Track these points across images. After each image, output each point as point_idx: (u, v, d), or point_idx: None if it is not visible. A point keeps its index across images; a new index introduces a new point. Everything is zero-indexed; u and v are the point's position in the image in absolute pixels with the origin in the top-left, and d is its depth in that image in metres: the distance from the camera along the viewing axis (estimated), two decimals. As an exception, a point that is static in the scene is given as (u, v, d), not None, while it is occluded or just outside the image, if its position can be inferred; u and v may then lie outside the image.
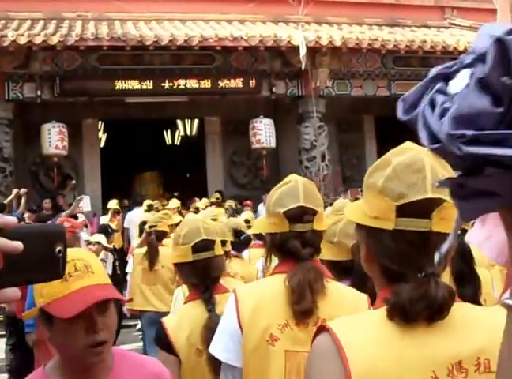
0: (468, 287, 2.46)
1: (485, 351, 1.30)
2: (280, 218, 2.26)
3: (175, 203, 13.02)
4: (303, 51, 13.93)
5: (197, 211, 12.88)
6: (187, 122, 19.68)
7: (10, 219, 0.95)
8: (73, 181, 14.97)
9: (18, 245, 0.94)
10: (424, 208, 1.40)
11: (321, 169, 15.42)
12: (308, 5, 16.05)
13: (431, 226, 1.40)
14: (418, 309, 1.32)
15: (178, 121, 19.70)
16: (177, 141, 21.34)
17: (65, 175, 15.28)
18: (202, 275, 2.85)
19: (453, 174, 0.74)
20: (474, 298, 2.38)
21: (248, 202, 14.69)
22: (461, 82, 0.73)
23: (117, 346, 2.28)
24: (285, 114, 16.36)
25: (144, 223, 7.90)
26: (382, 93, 16.27)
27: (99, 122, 17.18)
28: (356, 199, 14.38)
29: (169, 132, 21.29)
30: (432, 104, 0.76)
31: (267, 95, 15.46)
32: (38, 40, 12.96)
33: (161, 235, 7.18)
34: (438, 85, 0.77)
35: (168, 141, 21.54)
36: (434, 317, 1.33)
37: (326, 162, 15.61)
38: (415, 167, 1.43)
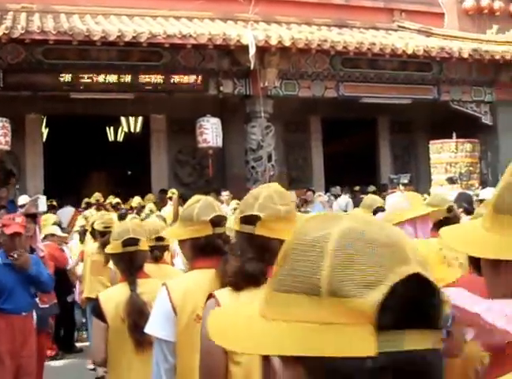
0: None
1: None
2: (205, 224, 3.04)
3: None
4: (252, 50, 14.34)
5: (134, 209, 13.48)
6: (131, 119, 19.88)
7: None
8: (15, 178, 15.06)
9: None
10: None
11: (267, 169, 15.85)
12: (258, 3, 16.51)
13: None
14: None
15: (122, 118, 19.87)
16: (120, 138, 21.51)
17: (7, 171, 15.35)
18: (129, 264, 4.04)
19: None
20: None
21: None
22: None
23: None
24: (232, 114, 16.73)
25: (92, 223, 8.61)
26: (330, 94, 16.80)
27: (43, 118, 17.27)
28: (305, 200, 14.96)
29: (112, 129, 21.44)
30: None
31: (214, 93, 15.78)
32: (-19, 32, 13.05)
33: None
34: None
35: (111, 138, 21.69)
36: None
37: (273, 162, 16.05)
38: None
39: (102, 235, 7.87)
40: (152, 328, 2.97)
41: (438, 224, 4.12)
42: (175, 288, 2.96)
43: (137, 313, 3.81)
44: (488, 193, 7.80)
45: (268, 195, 2.51)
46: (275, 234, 2.39)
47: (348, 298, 0.82)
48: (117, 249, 4.07)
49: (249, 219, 2.48)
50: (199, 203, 3.13)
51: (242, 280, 2.42)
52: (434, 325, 0.85)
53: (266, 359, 0.92)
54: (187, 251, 3.18)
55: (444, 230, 1.36)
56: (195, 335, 2.71)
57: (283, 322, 0.87)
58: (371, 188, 16.23)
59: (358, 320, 0.81)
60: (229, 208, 11.25)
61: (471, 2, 19.81)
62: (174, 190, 14.92)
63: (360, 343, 0.81)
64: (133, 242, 4.03)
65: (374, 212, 5.79)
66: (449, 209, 4.86)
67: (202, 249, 3.05)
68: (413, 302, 0.83)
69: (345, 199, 15.32)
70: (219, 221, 3.10)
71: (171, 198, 14.52)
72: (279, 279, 0.90)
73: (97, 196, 14.76)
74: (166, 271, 5.09)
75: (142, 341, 3.74)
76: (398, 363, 0.81)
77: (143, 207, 13.50)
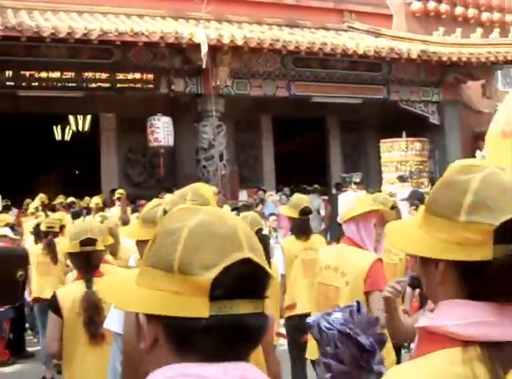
0: None
1: None
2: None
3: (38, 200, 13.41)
4: (204, 49, 14.34)
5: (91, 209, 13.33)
6: (79, 118, 19.66)
7: None
8: None
9: None
10: None
11: (219, 169, 15.88)
12: (210, 2, 16.53)
13: None
14: None
15: (71, 117, 19.64)
16: (68, 137, 21.24)
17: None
18: (85, 263, 4.23)
19: None
20: None
21: (143, 202, 14.92)
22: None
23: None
24: (183, 113, 16.71)
25: (38, 224, 8.74)
26: (281, 94, 16.94)
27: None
28: (261, 200, 14.99)
29: (59, 127, 21.16)
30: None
31: (166, 92, 15.75)
32: None
33: (56, 235, 8.31)
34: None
35: (58, 137, 21.40)
36: None
37: (224, 162, 16.09)
38: None
39: (45, 236, 8.15)
40: (109, 323, 3.23)
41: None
42: None
43: (93, 309, 4.07)
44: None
45: (183, 192, 2.91)
46: None
47: (192, 275, 1.11)
48: (75, 249, 4.25)
49: (164, 215, 2.80)
50: (160, 207, 3.38)
51: None
52: (258, 296, 1.16)
53: (137, 315, 1.19)
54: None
55: (388, 226, 1.48)
56: None
57: (148, 289, 1.16)
58: (315, 186, 16.28)
59: (198, 292, 1.10)
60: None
61: (418, 5, 20.26)
62: (121, 191, 14.82)
63: (197, 308, 1.10)
64: (91, 242, 4.23)
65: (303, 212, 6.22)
66: (392, 207, 5.16)
67: None
68: (242, 279, 1.12)
69: (317, 201, 15.22)
70: None
71: (119, 199, 14.43)
72: (149, 256, 1.19)
73: (42, 197, 14.52)
74: (105, 269, 5.20)
75: (96, 335, 4.06)
76: (224, 323, 1.11)
77: (102, 207, 13.38)
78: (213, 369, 1.11)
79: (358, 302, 2.75)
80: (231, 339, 1.13)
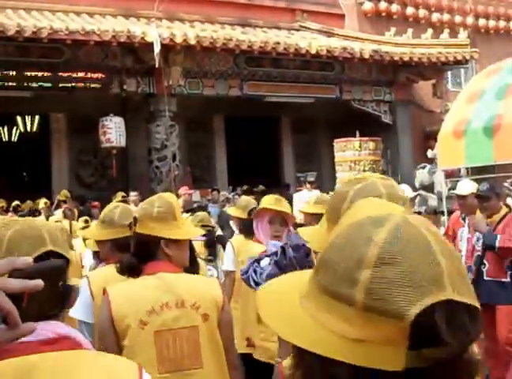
0: None
1: None
2: (125, 227, 3.56)
3: None
4: (157, 49, 14.22)
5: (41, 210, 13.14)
6: (27, 118, 19.33)
7: (28, 260, 1.09)
8: None
9: (39, 282, 1.06)
10: None
11: (172, 169, 15.81)
12: (162, 1, 16.44)
13: None
14: None
15: (18, 117, 19.30)
16: (14, 138, 20.85)
17: None
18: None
19: None
20: None
21: (96, 203, 14.78)
22: (265, 262, 2.70)
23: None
24: (136, 113, 16.55)
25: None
26: (234, 93, 16.95)
27: None
28: (227, 199, 14.93)
29: (5, 128, 20.75)
30: (255, 271, 2.73)
31: (117, 92, 15.61)
32: None
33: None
34: (255, 264, 2.72)
35: (5, 138, 20.99)
36: None
37: (177, 162, 16.02)
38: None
39: None
40: (74, 311, 3.42)
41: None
42: (94, 279, 3.66)
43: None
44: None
45: (151, 200, 3.08)
46: (149, 231, 2.95)
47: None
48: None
49: (135, 221, 3.03)
50: (118, 209, 3.88)
51: (122, 271, 3.04)
52: None
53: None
54: (106, 249, 3.95)
55: (301, 230, 1.56)
56: None
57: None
58: (260, 188, 16.22)
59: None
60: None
61: (370, 5, 20.46)
62: (66, 192, 14.64)
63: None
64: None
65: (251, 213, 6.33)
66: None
67: (120, 248, 3.71)
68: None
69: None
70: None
71: (65, 201, 14.21)
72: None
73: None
74: None
75: None
76: None
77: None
78: None
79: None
80: None
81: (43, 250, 1.59)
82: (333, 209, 1.47)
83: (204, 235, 7.14)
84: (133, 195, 13.82)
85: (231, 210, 7.73)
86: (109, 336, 2.80)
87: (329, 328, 0.93)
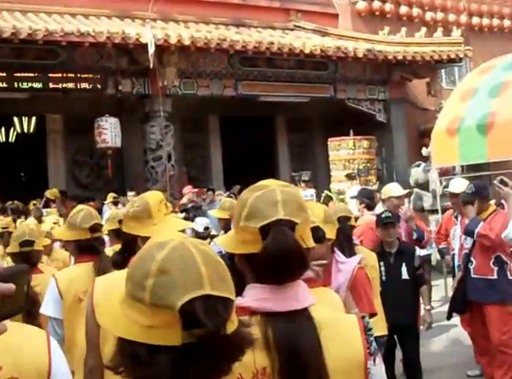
0: None
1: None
2: (85, 230, 4.11)
3: None
4: (151, 49, 14.33)
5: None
6: (24, 120, 19.43)
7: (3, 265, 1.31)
8: None
9: (12, 286, 1.19)
10: None
11: (167, 169, 15.92)
12: (157, 2, 16.54)
13: None
14: None
15: (15, 118, 19.40)
16: (11, 139, 20.96)
17: None
18: (25, 262, 4.57)
19: None
20: None
21: (91, 203, 14.90)
22: None
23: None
24: (131, 113, 16.66)
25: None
26: (229, 93, 17.03)
27: None
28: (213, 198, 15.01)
29: (2, 129, 20.86)
30: None
31: (112, 93, 15.68)
32: None
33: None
34: None
35: (2, 139, 21.11)
36: None
37: (173, 162, 16.13)
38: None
39: (1, 236, 8.23)
40: (44, 308, 3.86)
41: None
42: (62, 278, 4.05)
43: (30, 302, 4.40)
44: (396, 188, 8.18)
45: (133, 200, 3.44)
46: (129, 229, 3.28)
47: None
48: (15, 249, 4.93)
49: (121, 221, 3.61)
50: (82, 212, 4.21)
51: (114, 267, 3.37)
52: None
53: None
54: (72, 249, 4.36)
55: (217, 240, 1.95)
56: (78, 313, 3.78)
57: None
58: (236, 188, 16.26)
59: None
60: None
61: (363, 4, 20.58)
62: (55, 191, 14.76)
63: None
64: (29, 243, 4.89)
65: None
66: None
67: (83, 249, 4.16)
68: None
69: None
70: (96, 228, 4.19)
71: (54, 200, 14.40)
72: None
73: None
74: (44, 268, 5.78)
75: (34, 326, 4.43)
76: None
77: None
78: None
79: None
80: None
81: None
82: (237, 215, 1.70)
83: (197, 234, 7.50)
84: (130, 195, 13.95)
85: (214, 212, 7.89)
86: (92, 321, 3.04)
87: (133, 320, 1.34)
